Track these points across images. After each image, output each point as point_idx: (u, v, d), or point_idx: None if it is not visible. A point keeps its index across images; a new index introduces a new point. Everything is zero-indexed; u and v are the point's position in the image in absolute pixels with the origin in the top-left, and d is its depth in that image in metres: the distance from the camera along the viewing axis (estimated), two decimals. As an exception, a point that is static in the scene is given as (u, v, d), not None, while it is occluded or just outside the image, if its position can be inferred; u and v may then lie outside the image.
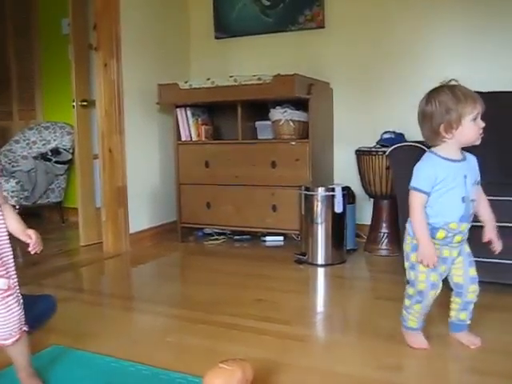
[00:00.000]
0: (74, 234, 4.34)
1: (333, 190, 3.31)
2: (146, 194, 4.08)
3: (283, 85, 3.52)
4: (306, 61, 4.12)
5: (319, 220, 3.31)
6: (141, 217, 4.00)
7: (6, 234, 1.62)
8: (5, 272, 1.58)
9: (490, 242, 2.02)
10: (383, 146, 3.47)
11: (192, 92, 3.84)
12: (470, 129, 1.86)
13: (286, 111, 3.74)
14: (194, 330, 2.30)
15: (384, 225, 3.58)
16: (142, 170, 4.03)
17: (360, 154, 3.62)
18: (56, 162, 4.84)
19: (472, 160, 1.99)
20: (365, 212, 3.88)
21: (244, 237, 4.10)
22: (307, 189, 3.37)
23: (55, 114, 5.22)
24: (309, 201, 3.34)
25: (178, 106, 4.02)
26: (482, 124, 1.88)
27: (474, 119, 1.85)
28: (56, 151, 4.86)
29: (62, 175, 4.93)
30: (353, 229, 3.64)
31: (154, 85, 3.98)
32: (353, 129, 4.02)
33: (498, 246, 2.01)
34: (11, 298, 1.59)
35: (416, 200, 1.94)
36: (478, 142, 1.90)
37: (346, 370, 1.90)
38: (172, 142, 4.09)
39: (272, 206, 3.77)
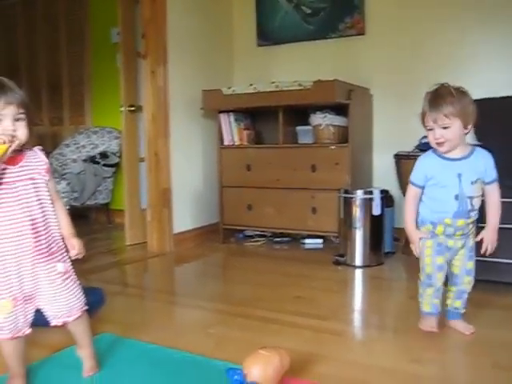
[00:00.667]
0: (119, 235, 4.52)
1: (371, 192, 3.38)
2: (189, 195, 4.22)
3: (323, 90, 3.62)
4: (346, 67, 4.20)
5: (357, 222, 3.38)
6: (184, 218, 4.14)
7: (58, 224, 1.77)
8: (61, 257, 1.76)
9: (481, 241, 2.15)
10: (422, 150, 3.51)
11: (235, 98, 3.97)
12: (429, 135, 2.08)
13: (326, 116, 3.83)
14: (235, 323, 2.41)
15: (422, 228, 3.62)
16: (186, 173, 4.17)
17: (399, 158, 3.68)
18: (104, 165, 5.04)
19: (478, 158, 2.08)
20: (403, 216, 3.91)
21: (284, 239, 4.20)
22: (346, 192, 3.45)
23: (103, 119, 5.42)
24: (348, 203, 3.42)
25: (221, 112, 4.15)
26: (436, 135, 2.02)
27: (430, 129, 2.05)
28: (104, 155, 5.07)
29: (109, 178, 5.13)
30: (391, 232, 3.70)
31: (198, 91, 4.12)
32: (392, 133, 4.07)
33: (485, 249, 2.14)
34: (69, 279, 1.77)
35: (409, 192, 2.18)
36: (439, 149, 2.06)
37: (381, 363, 1.97)
38: (215, 146, 4.23)
39: (312, 208, 3.86)
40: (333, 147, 3.78)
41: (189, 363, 1.94)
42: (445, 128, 2.01)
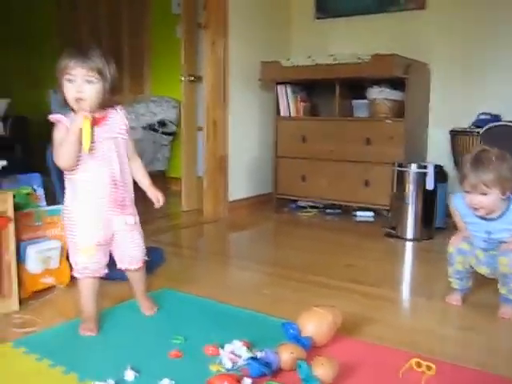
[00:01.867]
0: (176, 201, 4.65)
1: (425, 167, 3.40)
2: (245, 165, 4.33)
3: (381, 64, 3.64)
4: (405, 41, 4.18)
5: (410, 196, 3.42)
6: (239, 186, 4.26)
7: (132, 181, 1.98)
8: (133, 211, 1.98)
9: None
10: (478, 126, 3.50)
11: (293, 69, 4.03)
12: (466, 197, 2.10)
13: (382, 90, 3.85)
14: (288, 285, 2.52)
15: (475, 205, 3.63)
16: (243, 142, 4.27)
17: (454, 133, 3.68)
18: (162, 133, 5.20)
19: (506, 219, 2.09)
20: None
21: (336, 211, 4.27)
22: (400, 165, 3.48)
23: (162, 88, 5.56)
24: (401, 177, 3.46)
25: (278, 83, 4.22)
26: (474, 201, 2.05)
27: (468, 191, 2.06)
28: (162, 123, 5.22)
29: (166, 146, 5.29)
30: (443, 207, 3.70)
31: (257, 62, 4.20)
32: (449, 109, 4.06)
33: None
34: (136, 232, 2.00)
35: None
36: (476, 213, 2.09)
37: (428, 327, 2.05)
38: (271, 116, 4.31)
39: (364, 181, 3.91)
40: (388, 121, 3.81)
41: (244, 318, 2.06)
42: (483, 194, 2.02)
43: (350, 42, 4.46)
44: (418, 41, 4.18)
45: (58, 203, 2.39)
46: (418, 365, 1.62)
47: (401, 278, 2.83)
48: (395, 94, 3.86)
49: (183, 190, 4.39)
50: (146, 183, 2.04)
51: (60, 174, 2.10)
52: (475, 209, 2.07)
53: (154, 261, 2.66)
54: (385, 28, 4.32)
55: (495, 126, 2.88)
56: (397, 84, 3.84)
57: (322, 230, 3.78)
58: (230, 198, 4.18)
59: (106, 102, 1.87)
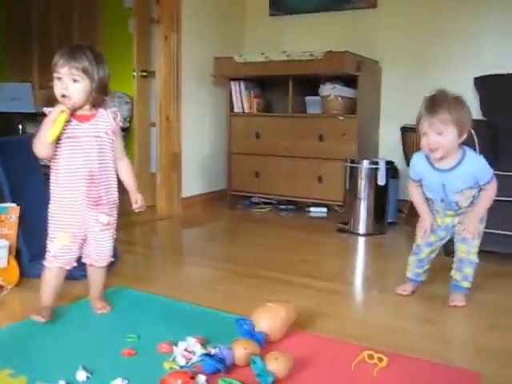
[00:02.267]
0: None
1: (377, 163, 3.46)
2: (198, 161, 4.31)
3: (334, 61, 3.68)
4: (357, 39, 4.23)
5: (362, 191, 3.47)
6: (193, 183, 4.24)
7: (116, 182, 2.01)
8: (108, 211, 1.98)
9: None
10: (428, 123, 3.57)
11: (246, 66, 4.03)
12: (422, 140, 2.10)
13: (335, 87, 3.90)
14: (242, 281, 2.52)
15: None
16: (196, 139, 4.25)
17: (405, 130, 3.74)
18: (114, 130, 5.10)
19: (466, 168, 2.08)
20: (408, 192, 3.99)
21: (289, 207, 4.30)
22: (352, 162, 3.53)
23: (114, 84, 5.41)
24: (353, 173, 3.50)
25: (232, 79, 4.22)
26: (430, 140, 2.04)
27: (424, 134, 2.07)
28: (114, 119, 5.12)
29: (119, 142, 5.19)
30: (395, 203, 3.78)
31: (210, 58, 4.18)
32: (399, 106, 4.12)
33: (465, 233, 2.19)
34: (107, 232, 2.01)
35: (411, 187, 2.30)
36: (432, 155, 2.08)
37: (381, 320, 2.09)
38: (225, 113, 4.30)
39: (318, 177, 3.95)
40: (341, 118, 3.85)
41: (198, 315, 2.05)
42: (439, 134, 2.02)
43: (303, 39, 4.48)
44: (369, 39, 4.24)
45: (5, 201, 2.33)
46: (370, 357, 1.64)
47: (354, 273, 2.87)
48: (347, 91, 3.91)
49: (136, 186, 4.32)
50: (130, 184, 2.08)
51: (7, 172, 2.09)
52: (431, 150, 2.05)
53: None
54: (338, 26, 4.37)
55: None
56: (349, 81, 3.89)
57: (276, 226, 3.80)
58: (184, 195, 4.15)
59: (95, 101, 1.91)
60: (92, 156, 1.91)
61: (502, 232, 2.77)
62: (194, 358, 1.64)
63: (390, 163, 3.54)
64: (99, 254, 2.02)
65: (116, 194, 2.01)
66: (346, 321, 2.07)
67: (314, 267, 2.77)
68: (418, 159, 2.20)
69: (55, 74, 1.86)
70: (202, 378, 1.50)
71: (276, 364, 1.51)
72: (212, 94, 4.41)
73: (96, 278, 2.08)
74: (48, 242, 1.96)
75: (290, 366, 1.54)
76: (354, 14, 4.31)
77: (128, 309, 2.10)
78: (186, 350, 1.67)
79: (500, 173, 2.73)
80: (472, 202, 2.17)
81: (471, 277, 2.24)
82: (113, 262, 2.09)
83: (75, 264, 1.99)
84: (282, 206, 4.32)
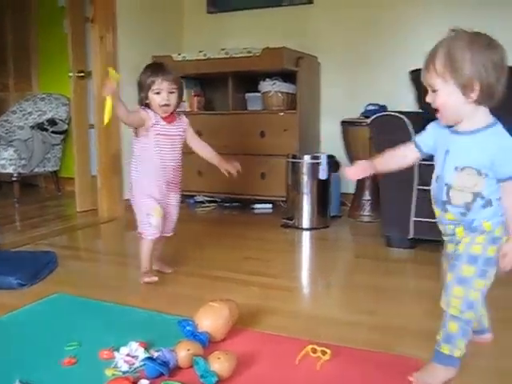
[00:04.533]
0: (70, 202, 4.50)
1: (318, 158, 3.49)
2: (140, 162, 4.24)
3: (272, 57, 3.69)
4: (296, 35, 4.26)
5: (305, 186, 3.50)
6: (135, 184, 4.16)
7: (180, 163, 2.55)
8: (179, 190, 2.59)
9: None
10: (367, 117, 3.63)
11: (185, 64, 3.99)
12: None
13: (274, 83, 3.91)
14: (187, 282, 2.50)
15: (367, 192, 3.78)
16: (137, 139, 4.18)
17: (345, 124, 3.80)
18: (52, 132, 4.98)
19: (487, 141, 1.44)
20: (350, 181, 4.06)
21: (234, 204, 4.29)
22: (294, 157, 3.55)
23: (51, 85, 5.33)
24: (295, 168, 3.53)
25: (171, 78, 4.16)
26: (427, 98, 1.50)
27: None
28: (52, 121, 5.00)
29: (57, 145, 5.07)
30: (337, 196, 3.84)
31: (148, 57, 4.12)
32: (339, 101, 4.19)
33: (503, 264, 1.46)
34: (178, 207, 2.60)
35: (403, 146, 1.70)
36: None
37: (326, 314, 2.11)
38: (165, 112, 4.25)
39: (261, 174, 3.96)
40: (281, 114, 3.87)
41: (142, 318, 2.02)
42: (434, 91, 1.47)
43: (242, 36, 4.48)
44: (307, 35, 4.28)
45: None
46: (314, 351, 1.66)
47: (299, 268, 2.89)
48: (287, 87, 3.94)
49: (77, 190, 4.23)
50: (214, 159, 2.66)
51: None
52: (435, 110, 1.50)
53: (45, 265, 2.56)
54: (276, 22, 4.39)
55: (381, 116, 2.98)
56: (289, 77, 3.91)
57: (221, 224, 3.78)
58: (127, 196, 4.07)
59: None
60: (177, 149, 2.51)
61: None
62: (137, 363, 1.61)
63: (331, 157, 3.57)
64: (173, 226, 2.61)
65: (180, 176, 2.60)
66: (291, 316, 2.07)
67: (259, 264, 2.77)
68: (436, 122, 1.57)
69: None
70: (144, 382, 1.48)
71: (219, 364, 1.50)
72: (152, 93, 4.34)
73: (161, 245, 2.62)
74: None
75: (234, 364, 1.53)
76: (292, 11, 4.34)
77: (69, 316, 2.05)
78: (128, 354, 1.64)
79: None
80: (470, 208, 1.48)
81: (456, 339, 1.52)
82: (38, 267, 2.24)
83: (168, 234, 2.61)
84: (226, 204, 4.30)
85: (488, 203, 1.47)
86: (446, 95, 1.44)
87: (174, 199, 2.54)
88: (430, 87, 1.48)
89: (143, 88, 2.41)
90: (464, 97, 1.42)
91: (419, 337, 1.86)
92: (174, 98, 2.38)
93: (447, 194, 1.52)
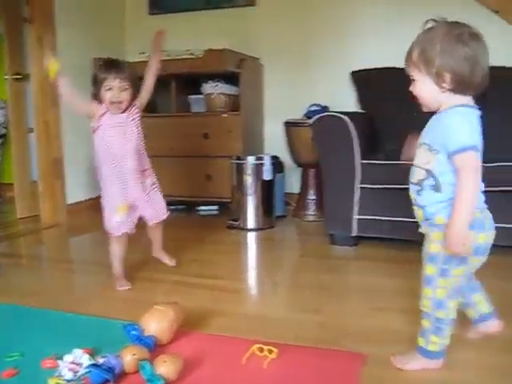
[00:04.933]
0: (10, 208, 4.38)
1: (262, 158, 3.52)
2: (83, 165, 4.16)
3: (214, 59, 3.70)
4: (238, 37, 4.27)
5: (249, 187, 3.51)
6: (78, 188, 4.10)
7: (142, 150, 2.52)
8: (149, 174, 2.55)
9: None
10: (309, 117, 3.68)
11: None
12: None
13: (217, 85, 3.92)
14: (134, 286, 2.46)
15: (311, 192, 3.83)
16: (79, 143, 4.09)
17: (288, 125, 3.84)
18: (-11, 137, 4.83)
19: (441, 120, 1.50)
20: (294, 181, 4.11)
21: (179, 207, 4.26)
22: (238, 158, 3.56)
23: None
24: (240, 169, 3.54)
25: (112, 80, 4.11)
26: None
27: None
28: (-11, 126, 4.85)
29: (-5, 150, 4.93)
30: (282, 196, 3.87)
31: (89, 59, 4.05)
32: (282, 102, 4.23)
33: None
34: (157, 189, 2.58)
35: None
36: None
37: (273, 313, 2.13)
38: (107, 115, 4.19)
39: (206, 176, 3.95)
40: (225, 115, 3.88)
41: (87, 325, 1.98)
42: (413, 81, 1.55)
43: (184, 38, 4.44)
44: (250, 36, 4.30)
45: None
46: (260, 350, 1.67)
47: (245, 268, 2.90)
48: (230, 89, 3.95)
49: (17, 195, 4.12)
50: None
51: None
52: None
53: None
54: (218, 24, 4.39)
55: (323, 117, 3.03)
56: (231, 78, 3.92)
57: (166, 228, 3.70)
58: (69, 201, 4.00)
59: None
60: (133, 135, 2.44)
61: (388, 218, 2.90)
62: (81, 370, 1.58)
63: (275, 158, 3.61)
64: (157, 210, 2.59)
65: (148, 163, 2.58)
66: (238, 317, 2.08)
67: (206, 266, 2.77)
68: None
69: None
70: (89, 389, 1.46)
71: (165, 367, 1.49)
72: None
73: (156, 231, 2.69)
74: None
75: (180, 367, 1.53)
76: (234, 12, 4.35)
77: (10, 326, 1.99)
78: (72, 362, 1.61)
79: (381, 162, 2.89)
80: (422, 186, 1.53)
81: (428, 333, 1.57)
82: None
83: (134, 231, 2.53)
84: (171, 207, 4.25)
85: (438, 187, 1.49)
86: (421, 84, 1.52)
87: (147, 185, 2.52)
88: (411, 77, 1.55)
89: (96, 84, 2.38)
90: (437, 86, 1.48)
91: (364, 332, 1.91)
92: (125, 95, 2.37)
93: (411, 172, 1.59)
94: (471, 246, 1.46)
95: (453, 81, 1.46)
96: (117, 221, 2.45)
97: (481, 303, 1.67)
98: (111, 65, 2.40)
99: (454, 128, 1.44)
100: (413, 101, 1.59)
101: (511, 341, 1.78)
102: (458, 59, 1.44)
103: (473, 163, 1.42)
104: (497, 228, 1.54)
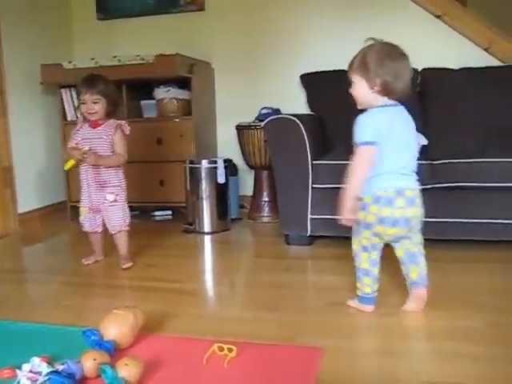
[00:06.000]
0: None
1: (215, 162, 3.54)
2: (33, 174, 4.11)
3: (165, 64, 3.70)
4: (188, 42, 4.29)
5: (204, 191, 3.53)
6: (30, 197, 4.03)
7: (115, 172, 2.77)
8: (111, 189, 2.76)
9: None
10: (261, 120, 3.73)
11: (76, 72, 3.88)
12: None
13: (169, 90, 3.92)
14: (91, 293, 2.46)
15: (265, 193, 3.88)
16: (29, 151, 4.04)
17: (240, 128, 3.88)
18: None
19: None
20: (248, 184, 4.15)
21: (134, 212, 4.20)
22: (191, 162, 3.58)
23: None
24: (193, 173, 3.56)
25: (62, 87, 4.07)
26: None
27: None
28: None
29: None
30: (236, 199, 3.91)
31: (37, 65, 4.00)
32: (233, 106, 4.26)
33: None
34: (114, 207, 2.76)
35: None
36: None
37: (231, 313, 2.17)
38: (58, 122, 4.14)
39: (159, 181, 3.95)
40: (177, 120, 3.89)
41: (45, 334, 1.96)
42: (353, 83, 1.99)
43: (134, 43, 4.44)
44: (200, 41, 4.31)
45: None
46: (220, 349, 1.70)
47: (202, 271, 2.91)
48: (182, 93, 3.96)
49: (-36, 206, 4.02)
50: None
51: None
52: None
53: None
54: (168, 29, 4.39)
55: (275, 119, 3.08)
56: (183, 83, 3.94)
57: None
58: (20, 211, 3.93)
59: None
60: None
61: (331, 217, 2.96)
62: (41, 379, 1.57)
63: (228, 161, 3.64)
64: (113, 224, 2.78)
65: (117, 180, 2.78)
66: (196, 318, 2.10)
67: (162, 270, 2.78)
68: None
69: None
70: (50, 396, 1.45)
71: (126, 370, 1.50)
72: (43, 102, 4.23)
73: (118, 243, 2.82)
74: None
75: (141, 369, 1.54)
76: (183, 17, 4.36)
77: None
78: (30, 371, 1.60)
79: (330, 162, 2.95)
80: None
81: (356, 281, 2.12)
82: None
83: (100, 229, 2.86)
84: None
85: None
86: (357, 86, 1.97)
87: (108, 199, 2.75)
88: (351, 81, 1.98)
89: (78, 100, 2.80)
90: (369, 87, 1.94)
91: (320, 328, 1.96)
92: (98, 107, 2.68)
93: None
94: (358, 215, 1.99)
95: (381, 85, 1.91)
96: (81, 219, 2.84)
97: (413, 273, 2.06)
98: (85, 80, 2.73)
99: (357, 126, 1.95)
100: (351, 100, 2.03)
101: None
102: (386, 70, 1.89)
103: (360, 155, 1.94)
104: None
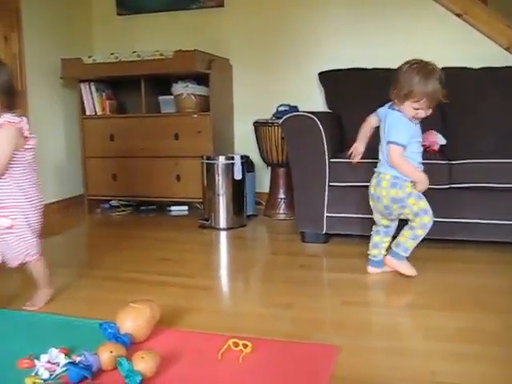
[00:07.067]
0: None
1: (232, 158, 3.55)
2: (52, 167, 4.14)
3: (184, 60, 3.71)
4: (207, 38, 4.30)
5: (220, 187, 3.54)
6: (47, 190, 4.05)
7: (10, 190, 2.09)
8: (8, 214, 2.07)
9: None
10: (278, 117, 3.73)
11: (96, 67, 3.94)
12: None
13: (187, 86, 3.93)
14: (105, 286, 2.48)
15: (281, 191, 3.88)
16: (48, 143, 4.08)
17: (258, 125, 3.88)
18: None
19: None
20: (265, 181, 4.15)
21: (150, 207, 4.27)
22: (208, 158, 3.59)
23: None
24: (210, 169, 3.57)
25: (82, 81, 4.10)
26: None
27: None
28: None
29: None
30: (252, 195, 3.91)
31: (57, 59, 4.03)
32: (251, 102, 4.26)
33: None
34: (10, 235, 2.09)
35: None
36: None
37: (246, 309, 2.17)
38: (77, 116, 4.18)
39: (176, 176, 3.97)
40: (195, 116, 3.90)
41: (62, 325, 1.99)
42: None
43: (154, 39, 4.46)
44: (219, 37, 4.32)
45: None
46: (236, 345, 1.70)
47: (217, 267, 2.92)
48: (200, 89, 3.97)
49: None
50: None
51: None
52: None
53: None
54: (187, 25, 4.40)
55: (293, 116, 3.07)
56: (201, 79, 3.95)
57: (137, 228, 3.76)
58: (39, 203, 3.96)
59: None
60: None
61: (356, 216, 2.97)
62: (59, 369, 1.59)
63: (245, 157, 3.65)
64: (11, 255, 2.14)
65: (11, 202, 2.09)
66: (212, 313, 2.11)
67: (177, 265, 2.80)
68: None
69: None
70: (67, 387, 1.47)
71: (143, 363, 1.52)
72: (62, 96, 4.26)
73: (34, 273, 2.26)
74: None
75: (157, 363, 1.56)
76: (202, 13, 4.37)
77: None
78: (48, 361, 1.62)
79: (347, 160, 2.94)
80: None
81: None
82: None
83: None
84: (142, 208, 4.28)
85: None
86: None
87: (1, 225, 2.07)
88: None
89: None
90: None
91: (335, 326, 1.97)
92: None
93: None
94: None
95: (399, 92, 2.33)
96: None
97: (385, 243, 2.55)
98: None
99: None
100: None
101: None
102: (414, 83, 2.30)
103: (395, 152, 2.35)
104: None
